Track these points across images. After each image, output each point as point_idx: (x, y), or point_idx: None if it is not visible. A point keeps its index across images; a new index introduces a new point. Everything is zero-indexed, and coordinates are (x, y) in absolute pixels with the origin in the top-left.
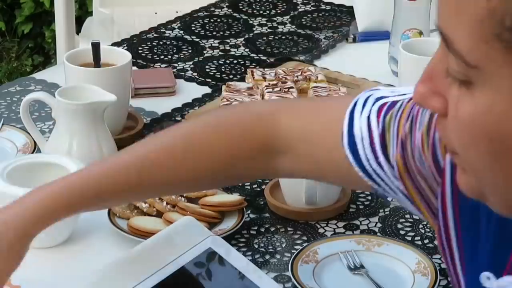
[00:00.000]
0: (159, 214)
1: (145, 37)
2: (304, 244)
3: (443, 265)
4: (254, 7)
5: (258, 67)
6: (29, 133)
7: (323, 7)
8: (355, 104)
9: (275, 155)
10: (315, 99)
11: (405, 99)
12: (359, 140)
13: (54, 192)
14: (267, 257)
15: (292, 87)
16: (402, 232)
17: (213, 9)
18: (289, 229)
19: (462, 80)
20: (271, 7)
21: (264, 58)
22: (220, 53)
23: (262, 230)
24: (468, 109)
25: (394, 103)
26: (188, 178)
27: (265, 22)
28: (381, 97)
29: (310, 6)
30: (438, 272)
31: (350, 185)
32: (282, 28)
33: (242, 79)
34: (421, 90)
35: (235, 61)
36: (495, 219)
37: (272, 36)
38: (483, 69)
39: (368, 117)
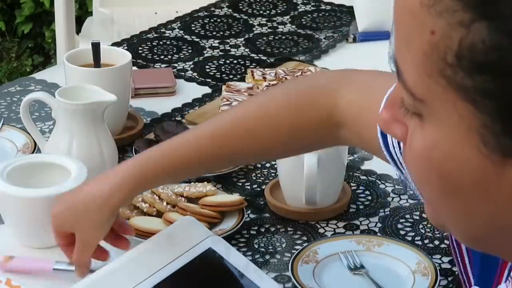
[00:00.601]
0: (159, 214)
1: (145, 37)
2: (304, 244)
3: (443, 265)
4: (254, 7)
5: (258, 67)
6: (29, 133)
7: (323, 7)
8: None
9: (335, 127)
10: (374, 73)
11: None
12: None
13: (135, 166)
14: (267, 257)
15: None
16: (402, 232)
17: (213, 9)
18: (289, 229)
19: (414, 112)
20: (271, 7)
21: (264, 58)
22: (220, 53)
23: (262, 230)
24: (419, 143)
25: None
26: (262, 148)
27: (265, 22)
28: None
29: (310, 6)
30: (438, 272)
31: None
32: (282, 28)
33: (242, 79)
34: (384, 117)
35: (235, 61)
36: None
37: (272, 36)
38: (429, 104)
39: None
